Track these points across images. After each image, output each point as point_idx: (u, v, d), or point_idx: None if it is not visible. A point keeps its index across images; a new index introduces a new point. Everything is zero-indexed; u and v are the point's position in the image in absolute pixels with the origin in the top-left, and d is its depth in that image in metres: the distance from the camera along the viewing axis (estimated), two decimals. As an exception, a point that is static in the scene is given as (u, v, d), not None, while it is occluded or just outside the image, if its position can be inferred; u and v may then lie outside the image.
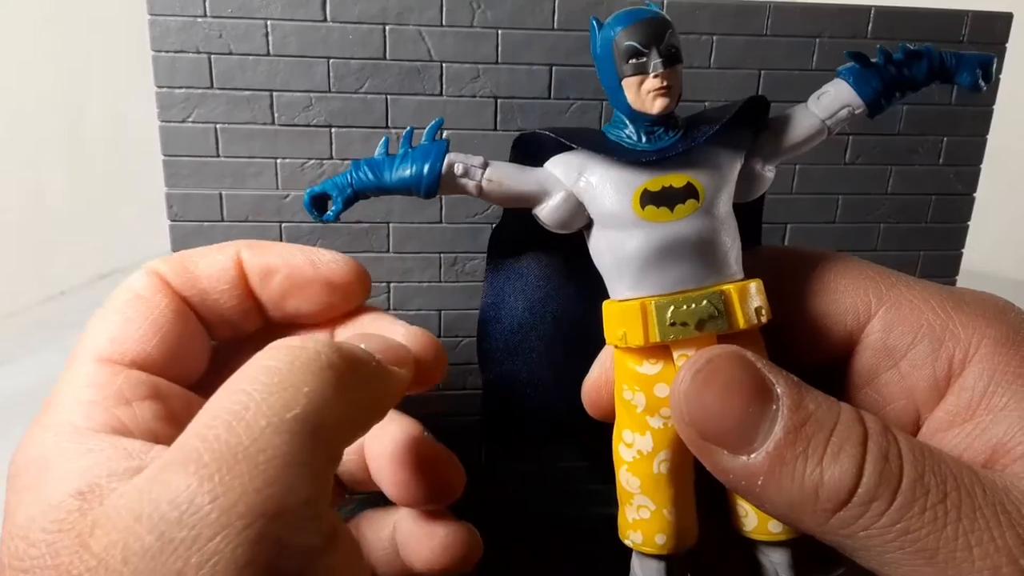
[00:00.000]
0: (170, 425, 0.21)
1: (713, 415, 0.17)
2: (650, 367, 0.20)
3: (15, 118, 0.88)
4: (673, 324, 0.19)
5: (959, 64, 0.20)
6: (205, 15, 0.34)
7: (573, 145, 0.20)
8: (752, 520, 0.21)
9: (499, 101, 0.37)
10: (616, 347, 0.21)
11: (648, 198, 0.19)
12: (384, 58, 0.36)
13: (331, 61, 0.36)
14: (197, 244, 0.38)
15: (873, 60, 0.20)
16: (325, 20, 0.35)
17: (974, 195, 0.41)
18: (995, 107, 0.40)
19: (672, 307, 0.19)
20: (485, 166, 0.21)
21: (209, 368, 0.25)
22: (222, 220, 0.37)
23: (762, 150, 0.21)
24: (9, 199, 0.89)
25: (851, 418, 0.17)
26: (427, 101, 0.37)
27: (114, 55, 0.86)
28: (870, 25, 0.38)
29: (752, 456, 0.17)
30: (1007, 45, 0.39)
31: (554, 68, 0.36)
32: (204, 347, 0.24)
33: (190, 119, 0.36)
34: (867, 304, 0.20)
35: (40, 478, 0.18)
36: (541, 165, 0.21)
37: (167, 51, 0.35)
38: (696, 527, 0.22)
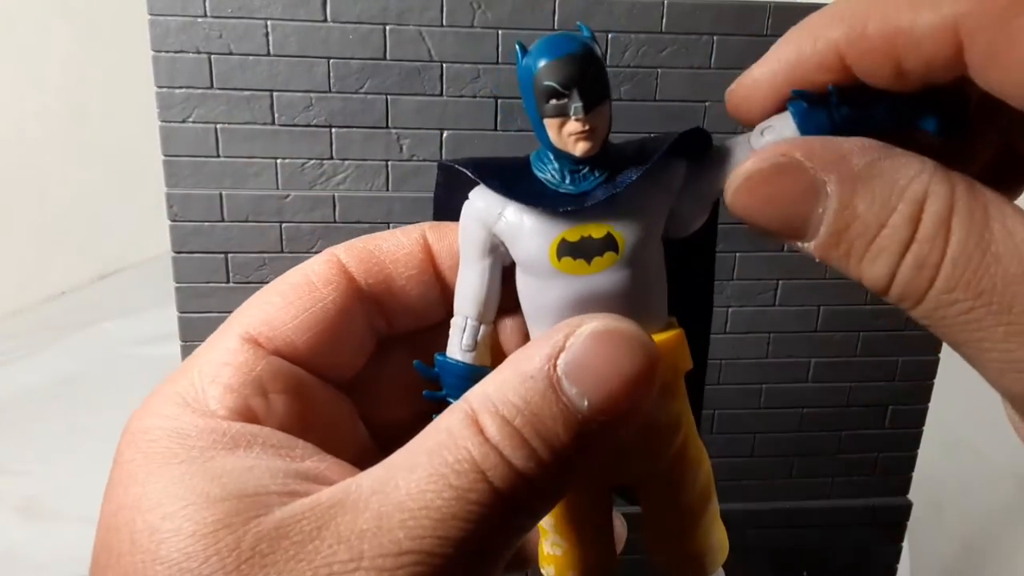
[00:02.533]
0: (303, 423, 0.20)
1: (762, 219, 0.18)
2: None
3: (16, 118, 0.89)
4: None
5: (925, 109, 0.17)
6: (205, 15, 0.34)
7: (492, 183, 0.19)
8: None
9: (499, 101, 0.37)
10: None
11: (565, 249, 0.18)
12: (384, 58, 0.36)
13: (331, 61, 0.36)
14: (197, 244, 0.39)
15: (824, 97, 0.18)
16: (325, 20, 0.35)
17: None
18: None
19: None
20: (476, 319, 0.20)
21: (371, 363, 0.23)
22: (222, 220, 0.37)
23: (696, 188, 0.19)
24: (10, 199, 0.89)
25: (903, 218, 0.17)
26: (427, 101, 0.37)
27: (114, 55, 0.87)
28: (870, 25, 0.38)
29: (804, 245, 0.18)
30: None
31: (554, 68, 0.37)
32: (365, 345, 0.22)
33: (190, 119, 0.36)
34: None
35: (170, 458, 0.17)
36: (466, 193, 0.20)
37: (167, 51, 0.35)
38: (612, 563, 0.22)
